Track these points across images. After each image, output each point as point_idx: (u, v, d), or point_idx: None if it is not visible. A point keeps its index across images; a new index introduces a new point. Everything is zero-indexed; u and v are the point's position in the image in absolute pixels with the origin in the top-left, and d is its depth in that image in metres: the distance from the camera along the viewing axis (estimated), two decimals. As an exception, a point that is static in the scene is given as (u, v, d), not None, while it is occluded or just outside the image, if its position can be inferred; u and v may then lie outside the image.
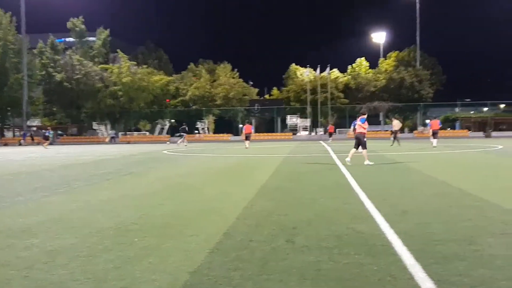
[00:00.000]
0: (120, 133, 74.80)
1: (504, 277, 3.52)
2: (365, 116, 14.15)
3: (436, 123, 27.79)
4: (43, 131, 48.44)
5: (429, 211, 6.21)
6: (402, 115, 73.14)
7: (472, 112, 77.90)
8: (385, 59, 78.63)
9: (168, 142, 49.05)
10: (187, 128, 40.29)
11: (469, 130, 64.24)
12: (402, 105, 68.32)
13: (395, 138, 30.06)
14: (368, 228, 5.23)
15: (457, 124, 69.12)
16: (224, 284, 3.51)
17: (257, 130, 62.23)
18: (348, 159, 14.04)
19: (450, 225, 5.32)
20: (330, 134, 50.17)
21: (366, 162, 13.86)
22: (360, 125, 13.93)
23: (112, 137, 58.42)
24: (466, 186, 8.64)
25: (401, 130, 40.74)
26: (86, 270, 3.92)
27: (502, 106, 77.50)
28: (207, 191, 8.98)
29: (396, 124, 30.97)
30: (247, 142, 31.50)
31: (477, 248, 4.30)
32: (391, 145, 28.77)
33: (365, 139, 13.97)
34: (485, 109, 76.97)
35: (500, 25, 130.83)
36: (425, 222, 5.51)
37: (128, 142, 57.87)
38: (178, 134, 44.35)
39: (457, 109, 76.13)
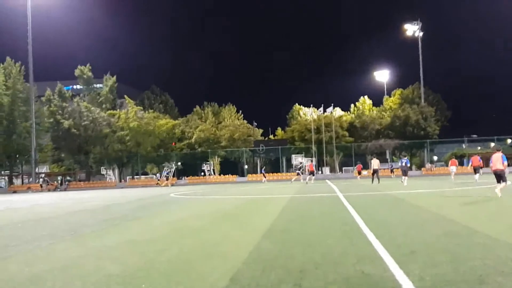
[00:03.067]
0: (128, 177, 75.25)
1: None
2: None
3: (476, 159, 28.56)
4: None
5: (437, 250, 6.11)
6: (408, 152, 73.20)
7: (479, 148, 77.64)
8: (389, 97, 79.35)
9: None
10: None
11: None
12: (408, 142, 68.40)
13: (374, 176, 30.91)
14: (377, 270, 5.14)
15: (465, 160, 68.87)
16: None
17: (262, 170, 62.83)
18: (499, 194, 14.81)
19: (459, 264, 5.24)
20: (359, 173, 45.44)
21: (498, 190, 14.88)
22: (502, 162, 15.11)
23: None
24: (473, 223, 8.54)
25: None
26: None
27: (509, 141, 77.19)
28: (212, 234, 8.88)
29: (375, 163, 31.65)
30: (311, 178, 39.11)
31: (487, 288, 4.24)
32: (372, 183, 29.70)
33: (505, 174, 15.09)
34: (492, 144, 76.66)
35: (502, 58, 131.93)
36: (434, 261, 5.42)
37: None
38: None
39: (464, 145, 75.92)
